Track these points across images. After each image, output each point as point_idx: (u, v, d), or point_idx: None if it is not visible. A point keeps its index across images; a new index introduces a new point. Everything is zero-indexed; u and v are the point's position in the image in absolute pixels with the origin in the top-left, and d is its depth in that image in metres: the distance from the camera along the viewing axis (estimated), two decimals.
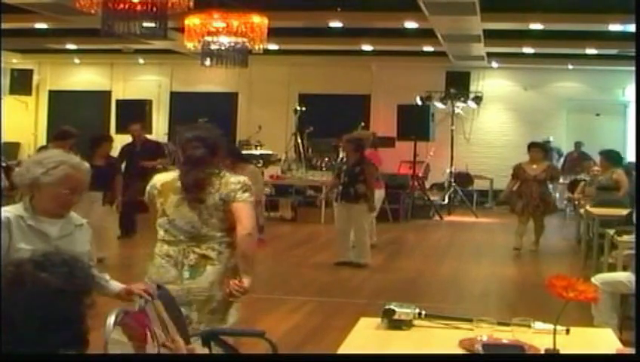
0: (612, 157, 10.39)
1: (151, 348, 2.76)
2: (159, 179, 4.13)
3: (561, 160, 17.32)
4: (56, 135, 9.39)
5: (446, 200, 16.05)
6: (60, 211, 3.36)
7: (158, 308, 2.88)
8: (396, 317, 3.18)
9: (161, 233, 4.00)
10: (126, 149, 11.40)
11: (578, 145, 17.15)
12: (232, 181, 3.98)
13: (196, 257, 3.92)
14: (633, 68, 12.78)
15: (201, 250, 3.93)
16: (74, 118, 19.32)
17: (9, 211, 3.28)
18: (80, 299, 2.01)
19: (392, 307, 3.20)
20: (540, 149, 10.97)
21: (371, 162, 9.69)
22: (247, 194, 3.95)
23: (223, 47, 11.70)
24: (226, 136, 4.33)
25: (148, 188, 4.14)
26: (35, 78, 19.97)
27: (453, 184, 16.46)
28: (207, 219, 3.94)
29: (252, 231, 3.92)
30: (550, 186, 10.93)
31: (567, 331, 3.05)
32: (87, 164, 3.45)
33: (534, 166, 10.65)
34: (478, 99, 17.57)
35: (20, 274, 1.97)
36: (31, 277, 1.96)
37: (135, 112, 15.04)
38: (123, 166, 10.66)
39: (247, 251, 3.91)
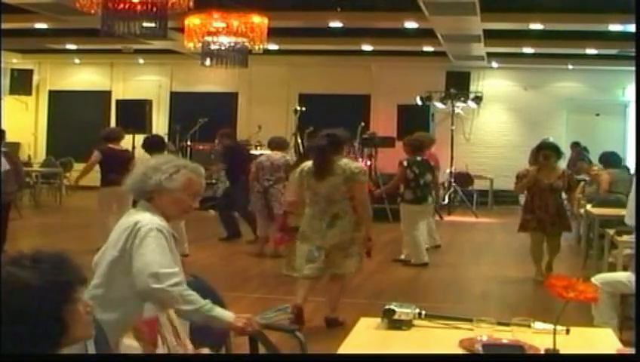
0: (606, 160, 10.62)
1: (161, 352, 2.75)
2: (305, 165, 6.25)
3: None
4: (106, 135, 9.74)
5: (446, 200, 16.04)
6: (181, 217, 3.37)
7: (171, 315, 2.88)
8: (396, 317, 3.18)
9: (307, 200, 6.16)
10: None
11: (575, 145, 17.12)
12: (353, 166, 6.17)
13: (331, 215, 6.07)
14: (633, 68, 12.76)
15: (334, 210, 6.07)
16: (74, 118, 19.43)
17: (155, 221, 3.18)
18: (63, 296, 1.98)
19: (392, 307, 3.21)
20: (553, 152, 8.83)
21: (430, 163, 9.93)
22: (364, 177, 6.23)
23: (222, 47, 11.70)
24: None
25: (298, 170, 6.36)
26: (35, 78, 19.96)
27: (453, 184, 16.45)
28: (336, 191, 6.03)
29: (364, 202, 6.14)
30: (564, 197, 8.94)
31: (567, 331, 3.05)
32: (202, 168, 3.43)
33: (547, 172, 8.68)
34: (478, 99, 17.55)
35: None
36: (8, 275, 1.94)
37: (135, 112, 15.01)
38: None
39: (364, 214, 6.14)
